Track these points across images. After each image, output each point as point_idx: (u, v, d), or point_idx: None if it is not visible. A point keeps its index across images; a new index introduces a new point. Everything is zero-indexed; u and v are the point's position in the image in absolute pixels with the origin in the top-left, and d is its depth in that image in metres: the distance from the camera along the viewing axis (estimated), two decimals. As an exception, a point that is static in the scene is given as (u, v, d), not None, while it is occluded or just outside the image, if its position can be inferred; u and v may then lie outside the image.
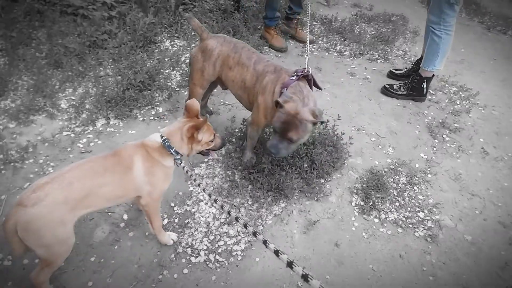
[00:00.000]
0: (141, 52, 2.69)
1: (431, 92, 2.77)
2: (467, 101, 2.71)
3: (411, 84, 2.64)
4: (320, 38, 3.34)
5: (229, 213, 1.11)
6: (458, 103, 2.70)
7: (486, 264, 1.67)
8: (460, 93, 2.79)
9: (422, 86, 2.61)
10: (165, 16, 3.06)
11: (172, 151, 1.37)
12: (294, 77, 1.64)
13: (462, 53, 3.28)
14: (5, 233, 1.15)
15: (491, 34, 3.64)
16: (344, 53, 3.17)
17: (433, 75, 2.59)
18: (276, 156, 1.67)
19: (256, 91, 1.76)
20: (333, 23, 3.52)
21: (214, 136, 1.50)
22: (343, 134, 2.13)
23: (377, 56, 3.15)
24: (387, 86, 2.72)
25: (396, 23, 3.68)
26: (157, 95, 2.40)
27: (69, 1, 2.90)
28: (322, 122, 1.57)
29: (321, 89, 1.82)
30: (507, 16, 3.89)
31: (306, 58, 1.81)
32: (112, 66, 2.55)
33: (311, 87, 1.73)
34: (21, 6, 2.82)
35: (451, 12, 2.30)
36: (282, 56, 3.01)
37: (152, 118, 2.25)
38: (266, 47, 3.09)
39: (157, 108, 2.32)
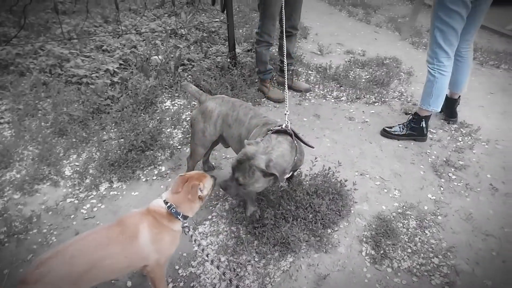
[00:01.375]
0: (143, 114, 2.78)
1: (432, 130, 2.77)
2: (469, 137, 2.70)
3: (410, 124, 2.66)
4: (317, 86, 3.43)
5: (230, 280, 1.08)
6: (460, 139, 2.68)
7: (512, 311, 1.57)
8: (461, 129, 2.79)
9: (421, 125, 2.62)
10: (165, 77, 3.19)
11: (179, 217, 1.36)
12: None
13: (458, 90, 3.32)
14: None
15: (485, 69, 3.71)
16: (341, 99, 3.23)
17: (431, 114, 2.60)
18: (226, 192, 1.66)
19: None
20: (328, 71, 3.62)
21: (213, 180, 1.53)
22: (346, 180, 2.11)
23: (373, 99, 3.20)
24: (386, 128, 2.74)
25: (389, 65, 3.78)
26: (159, 154, 2.44)
27: (73, 71, 3.05)
28: (273, 175, 1.53)
29: (309, 145, 1.78)
30: (498, 51, 3.98)
31: (285, 114, 1.83)
32: (115, 129, 2.62)
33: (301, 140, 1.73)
34: (28, 80, 2.97)
35: (442, 52, 2.36)
36: (280, 106, 3.08)
37: (154, 178, 2.26)
38: (264, 99, 3.17)
39: (160, 168, 2.34)
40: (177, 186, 1.44)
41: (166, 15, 4.53)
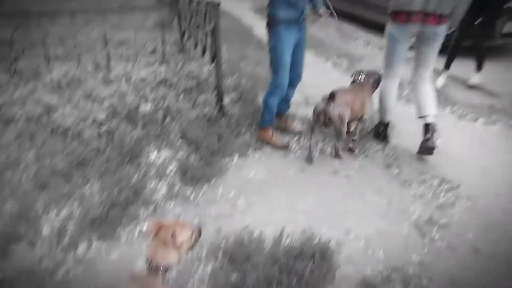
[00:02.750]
0: (128, 166, 2.77)
1: (414, 186, 2.82)
2: (451, 194, 2.74)
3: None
4: (302, 137, 3.48)
5: None
6: (442, 196, 2.73)
7: None
8: (443, 185, 2.83)
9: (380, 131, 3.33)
10: (152, 127, 3.21)
11: (160, 271, 1.36)
12: None
13: (439, 144, 3.41)
14: None
15: (464, 122, 3.84)
16: (326, 152, 3.28)
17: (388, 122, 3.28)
18: None
19: None
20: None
21: (192, 231, 1.50)
22: (329, 241, 2.10)
23: (357, 152, 3.25)
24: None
25: (373, 117, 3.87)
26: (142, 210, 2.41)
27: (60, 121, 3.06)
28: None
29: None
30: (474, 105, 4.15)
31: None
32: (99, 183, 2.59)
33: None
34: (13, 130, 2.95)
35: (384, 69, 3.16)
36: (269, 156, 3.10)
37: (136, 236, 2.22)
38: (251, 150, 3.18)
39: (142, 225, 2.30)
40: (150, 230, 1.42)
41: (156, 63, 4.64)
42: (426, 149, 3.05)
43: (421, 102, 3.11)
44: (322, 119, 2.88)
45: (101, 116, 3.22)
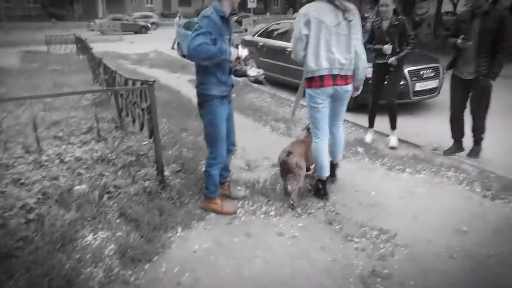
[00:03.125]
0: (60, 253, 2.57)
1: (355, 240, 2.91)
2: (389, 243, 2.87)
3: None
4: (246, 202, 3.52)
5: None
6: (381, 246, 2.84)
7: None
8: (381, 236, 2.97)
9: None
10: (87, 209, 3.07)
11: None
12: None
13: (373, 196, 3.63)
14: None
15: (393, 174, 4.16)
16: (270, 213, 3.32)
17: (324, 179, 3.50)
18: None
19: None
20: (256, 185, 3.78)
21: None
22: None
23: (300, 211, 3.34)
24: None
25: (311, 176, 4.06)
26: (75, 302, 2.20)
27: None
28: None
29: None
30: (401, 157, 4.54)
31: None
32: (26, 276, 2.35)
33: None
34: None
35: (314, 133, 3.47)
36: (212, 224, 3.06)
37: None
38: (195, 220, 3.12)
39: (76, 319, 2.09)
40: None
41: (93, 140, 4.56)
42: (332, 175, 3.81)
43: (334, 147, 3.66)
44: (285, 169, 3.41)
45: (31, 201, 3.02)
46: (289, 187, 3.58)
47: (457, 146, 4.53)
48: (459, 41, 4.01)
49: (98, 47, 11.72)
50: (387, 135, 5.08)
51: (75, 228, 2.79)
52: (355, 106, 6.50)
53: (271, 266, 2.62)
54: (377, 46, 4.63)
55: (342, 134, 3.68)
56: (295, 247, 2.84)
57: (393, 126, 4.97)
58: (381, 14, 4.66)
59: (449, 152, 4.51)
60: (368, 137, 5.10)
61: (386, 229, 3.05)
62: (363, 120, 6.06)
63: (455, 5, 36.69)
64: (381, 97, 4.92)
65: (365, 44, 4.36)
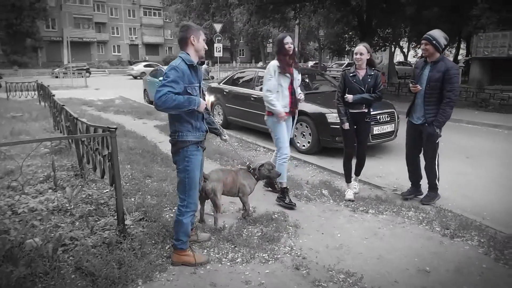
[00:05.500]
0: (5, 316, 2.34)
1: (323, 284, 2.88)
2: (356, 287, 2.85)
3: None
4: (211, 250, 3.41)
5: None
6: (350, 291, 2.82)
7: None
8: (348, 279, 2.95)
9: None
10: (40, 264, 2.85)
11: None
12: None
13: (339, 238, 3.65)
14: None
15: (357, 215, 4.23)
16: (237, 261, 3.23)
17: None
18: None
19: None
20: (222, 232, 3.70)
21: None
22: None
23: (266, 257, 3.28)
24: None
25: (278, 220, 4.04)
26: None
27: None
28: None
29: None
30: (364, 198, 4.65)
31: None
32: None
33: None
34: None
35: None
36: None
37: None
38: (162, 273, 2.98)
39: None
40: None
41: (50, 190, 4.34)
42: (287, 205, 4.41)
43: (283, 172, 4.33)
44: (203, 194, 3.62)
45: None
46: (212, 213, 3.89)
47: (414, 189, 4.66)
48: (410, 84, 4.33)
49: (62, 94, 11.56)
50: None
51: (24, 286, 2.56)
52: (320, 149, 6.73)
53: (237, 317, 2.51)
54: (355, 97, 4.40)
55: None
56: (262, 296, 2.76)
57: (358, 173, 4.89)
58: (355, 63, 4.45)
59: (406, 194, 4.62)
60: (349, 193, 4.68)
61: (353, 271, 3.04)
62: (326, 162, 6.24)
63: (405, 56, 39.96)
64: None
65: (337, 92, 4.61)
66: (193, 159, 3.04)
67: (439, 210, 4.19)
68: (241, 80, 8.88)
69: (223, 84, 9.20)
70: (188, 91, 2.91)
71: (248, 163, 4.07)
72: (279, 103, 4.31)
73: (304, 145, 6.93)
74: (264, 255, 3.32)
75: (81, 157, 4.92)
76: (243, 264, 3.19)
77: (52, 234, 3.24)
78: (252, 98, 7.86)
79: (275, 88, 4.31)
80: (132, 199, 4.31)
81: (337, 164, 6.15)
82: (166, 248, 3.34)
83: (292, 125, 4.62)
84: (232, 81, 9.04)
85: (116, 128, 3.33)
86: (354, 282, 2.91)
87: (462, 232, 3.66)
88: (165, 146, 6.25)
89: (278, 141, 4.47)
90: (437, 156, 4.34)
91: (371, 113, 4.68)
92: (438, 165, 4.36)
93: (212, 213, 3.90)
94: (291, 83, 4.38)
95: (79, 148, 4.96)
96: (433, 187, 4.45)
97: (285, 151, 4.45)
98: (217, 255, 3.32)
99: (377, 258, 3.29)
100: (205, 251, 3.38)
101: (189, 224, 3.12)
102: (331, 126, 6.39)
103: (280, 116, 4.30)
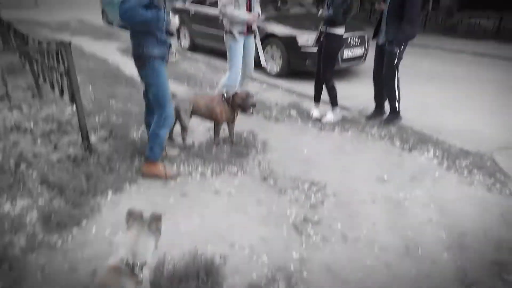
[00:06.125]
0: (-28, 224, 2.32)
1: (289, 192, 3.03)
2: (320, 194, 3.03)
3: None
4: (182, 164, 3.45)
5: None
6: (313, 197, 2.99)
7: None
8: (313, 187, 3.12)
9: None
10: (2, 178, 2.78)
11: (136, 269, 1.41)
12: None
13: (306, 153, 3.79)
14: None
15: (324, 133, 4.35)
16: (206, 174, 3.31)
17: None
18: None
19: None
20: (191, 149, 3.72)
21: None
22: (214, 256, 2.09)
23: (235, 170, 3.37)
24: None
25: (247, 138, 4.09)
26: (-7, 270, 2.02)
27: None
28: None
29: None
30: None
31: None
32: None
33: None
34: None
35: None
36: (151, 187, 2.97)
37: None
38: (128, 184, 3.00)
39: (-6, 286, 1.92)
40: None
41: (6, 109, 4.10)
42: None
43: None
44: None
45: None
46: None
47: (378, 110, 4.77)
48: (376, 3, 4.24)
49: (9, 14, 10.44)
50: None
51: (-14, 198, 2.53)
52: (290, 72, 6.66)
53: (207, 221, 2.64)
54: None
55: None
56: (231, 203, 2.88)
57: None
58: None
59: (370, 117, 4.73)
60: (316, 112, 4.77)
61: (317, 181, 3.21)
62: (296, 85, 6.24)
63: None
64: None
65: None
66: (161, 73, 2.93)
67: (400, 128, 4.38)
68: (208, 0, 8.32)
69: (189, 4, 8.60)
70: (155, 3, 2.68)
71: (223, 91, 3.88)
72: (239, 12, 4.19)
73: (274, 68, 6.82)
74: (233, 168, 3.41)
75: (36, 77, 4.61)
76: (213, 177, 3.27)
77: (12, 151, 3.13)
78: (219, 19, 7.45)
79: (230, 2, 4.17)
80: (97, 118, 4.18)
81: (306, 87, 6.18)
82: (135, 163, 3.34)
83: (255, 47, 4.53)
84: (199, 1, 8.46)
85: (70, 42, 3.08)
86: (318, 190, 3.08)
87: (420, 145, 3.89)
88: (129, 68, 5.95)
89: (231, 62, 4.42)
90: (396, 78, 4.35)
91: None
92: (398, 87, 4.42)
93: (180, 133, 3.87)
94: (249, 0, 4.25)
95: (34, 67, 4.61)
96: (393, 109, 4.55)
97: (235, 74, 4.43)
98: (187, 169, 3.37)
99: (341, 170, 3.46)
100: (175, 166, 3.41)
101: (164, 137, 3.12)
102: (301, 50, 6.27)
103: (249, 19, 4.23)
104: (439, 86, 6.42)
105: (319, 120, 4.66)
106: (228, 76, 4.51)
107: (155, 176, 3.14)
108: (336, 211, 2.82)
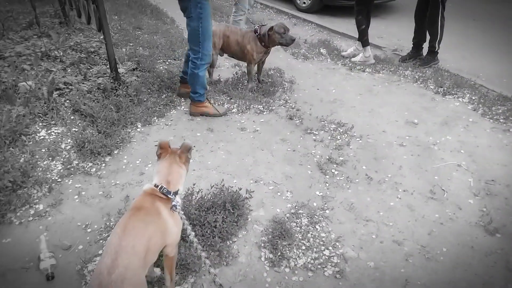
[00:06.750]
0: (12, 148, 2.45)
1: (315, 132, 3.01)
2: (346, 135, 3.00)
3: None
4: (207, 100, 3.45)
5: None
6: (339, 138, 2.97)
7: (391, 285, 1.77)
8: (339, 129, 3.08)
9: None
10: (37, 105, 2.87)
11: (171, 195, 1.43)
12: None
13: (334, 93, 3.69)
14: None
15: (354, 73, 4.19)
16: (232, 111, 3.31)
17: None
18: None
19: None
20: (217, 85, 3.69)
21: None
22: (240, 189, 2.15)
23: (261, 108, 3.35)
24: None
25: (273, 76, 4.00)
26: (35, 191, 2.17)
27: None
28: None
29: None
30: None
31: None
32: (-24, 170, 2.25)
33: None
34: None
35: None
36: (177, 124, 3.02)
37: (31, 218, 2.01)
38: (156, 117, 3.05)
39: (37, 206, 2.08)
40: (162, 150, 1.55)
41: (35, 36, 4.11)
42: None
43: None
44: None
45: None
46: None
47: (415, 52, 4.47)
48: None
49: None
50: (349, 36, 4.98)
51: (24, 124, 2.63)
52: (321, 7, 6.27)
53: (233, 156, 2.69)
54: None
55: None
56: (257, 140, 2.90)
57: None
58: None
59: (405, 58, 4.45)
60: (349, 50, 4.59)
61: (344, 122, 3.16)
62: (327, 22, 5.90)
63: None
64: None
65: None
66: (206, 5, 2.71)
67: (436, 70, 4.15)
68: None
69: None
70: None
71: (256, 26, 3.46)
72: None
73: (304, 2, 6.42)
74: (259, 106, 3.38)
75: (63, 3, 4.52)
76: (239, 114, 3.27)
77: (45, 79, 3.18)
78: None
79: None
80: (124, 49, 4.15)
81: (338, 24, 5.84)
82: (163, 97, 3.36)
83: None
84: None
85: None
86: (344, 131, 3.05)
87: (455, 90, 3.70)
88: (154, -3, 5.74)
89: None
90: (440, 15, 4.02)
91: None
92: (442, 26, 4.09)
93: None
94: None
95: (59, -7, 4.51)
96: (432, 50, 4.27)
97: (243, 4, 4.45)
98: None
99: (369, 111, 3.38)
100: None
101: (204, 76, 3.02)
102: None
103: None
104: (482, 27, 5.92)
105: (349, 58, 4.47)
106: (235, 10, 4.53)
107: (203, 114, 3.16)
108: (362, 153, 2.80)
